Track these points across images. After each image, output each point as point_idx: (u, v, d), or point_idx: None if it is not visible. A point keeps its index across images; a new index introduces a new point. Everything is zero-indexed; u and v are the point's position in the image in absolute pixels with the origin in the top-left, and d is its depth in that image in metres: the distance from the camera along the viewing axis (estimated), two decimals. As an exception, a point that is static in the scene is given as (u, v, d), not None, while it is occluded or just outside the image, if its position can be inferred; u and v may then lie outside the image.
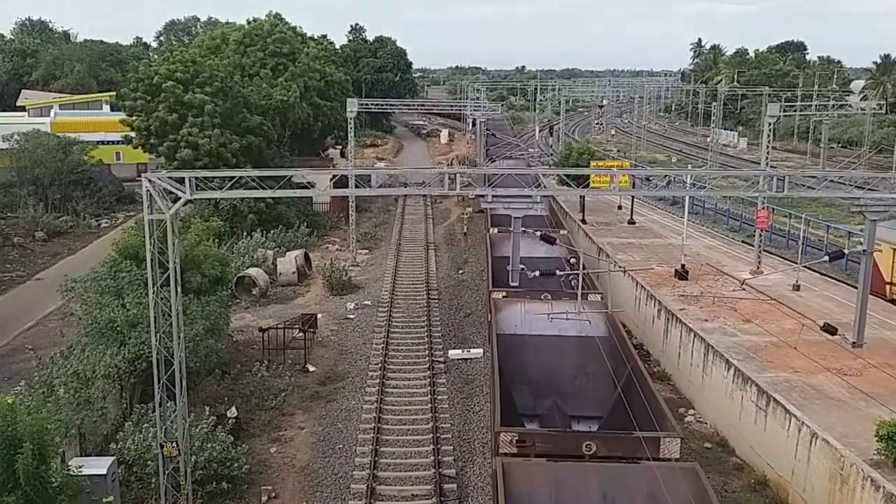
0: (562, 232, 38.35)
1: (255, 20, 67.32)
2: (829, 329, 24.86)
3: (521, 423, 21.07)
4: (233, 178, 21.06)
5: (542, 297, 26.15)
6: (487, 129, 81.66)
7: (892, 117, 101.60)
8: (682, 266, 33.92)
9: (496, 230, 37.22)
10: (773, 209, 42.45)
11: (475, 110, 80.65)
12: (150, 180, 18.03)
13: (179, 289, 18.91)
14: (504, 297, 26.45)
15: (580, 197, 47.13)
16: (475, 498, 20.93)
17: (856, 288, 26.02)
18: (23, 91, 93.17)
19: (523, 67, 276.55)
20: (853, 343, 24.45)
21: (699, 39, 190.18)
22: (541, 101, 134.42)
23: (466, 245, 51.21)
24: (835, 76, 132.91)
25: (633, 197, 47.21)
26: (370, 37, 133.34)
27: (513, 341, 23.64)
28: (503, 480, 15.11)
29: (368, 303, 38.23)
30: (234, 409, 24.75)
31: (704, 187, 28.21)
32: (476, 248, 48.66)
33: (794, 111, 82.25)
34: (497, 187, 23.56)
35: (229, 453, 21.22)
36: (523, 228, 26.08)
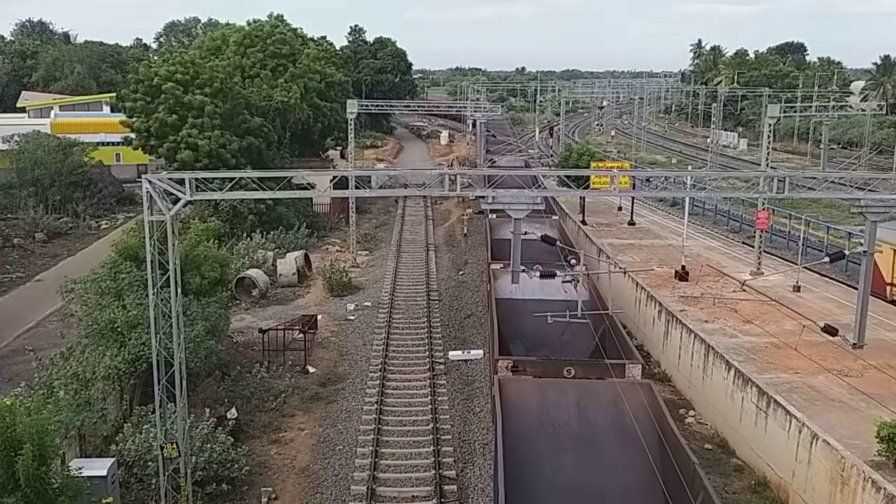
0: (553, 217, 39.59)
1: (255, 21, 67.35)
2: (830, 330, 24.82)
3: None
4: (233, 179, 21.06)
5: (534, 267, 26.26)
6: (488, 131, 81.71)
7: (893, 118, 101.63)
8: (683, 267, 33.90)
9: (495, 216, 37.73)
10: (774, 210, 42.45)
11: (475, 111, 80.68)
12: (150, 181, 18.01)
13: (179, 290, 18.89)
14: (501, 267, 28.59)
15: (580, 198, 47.12)
16: (475, 499, 20.91)
17: (856, 289, 26.01)
18: (23, 92, 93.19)
19: (523, 68, 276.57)
20: (854, 344, 24.42)
21: (699, 40, 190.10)
22: (541, 102, 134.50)
23: (467, 246, 51.20)
24: (835, 77, 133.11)
25: (633, 198, 47.21)
26: (370, 38, 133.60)
27: (508, 304, 26.09)
28: (500, 394, 18.66)
29: (369, 304, 38.22)
30: (234, 410, 24.73)
31: (704, 188, 28.23)
32: (476, 250, 48.65)
33: (795, 112, 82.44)
34: (497, 187, 23.54)
35: (229, 454, 21.19)
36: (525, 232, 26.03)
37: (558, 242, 31.41)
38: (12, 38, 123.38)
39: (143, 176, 18.32)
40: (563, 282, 25.19)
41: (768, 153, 34.95)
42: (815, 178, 27.60)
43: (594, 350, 23.50)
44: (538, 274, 28.71)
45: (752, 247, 36.85)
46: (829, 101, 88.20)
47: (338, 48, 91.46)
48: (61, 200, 57.49)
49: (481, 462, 22.65)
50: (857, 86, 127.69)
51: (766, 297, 30.60)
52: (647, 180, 36.04)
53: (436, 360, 30.46)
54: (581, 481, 18.00)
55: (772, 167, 36.31)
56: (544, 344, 25.00)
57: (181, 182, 18.56)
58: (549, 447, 18.68)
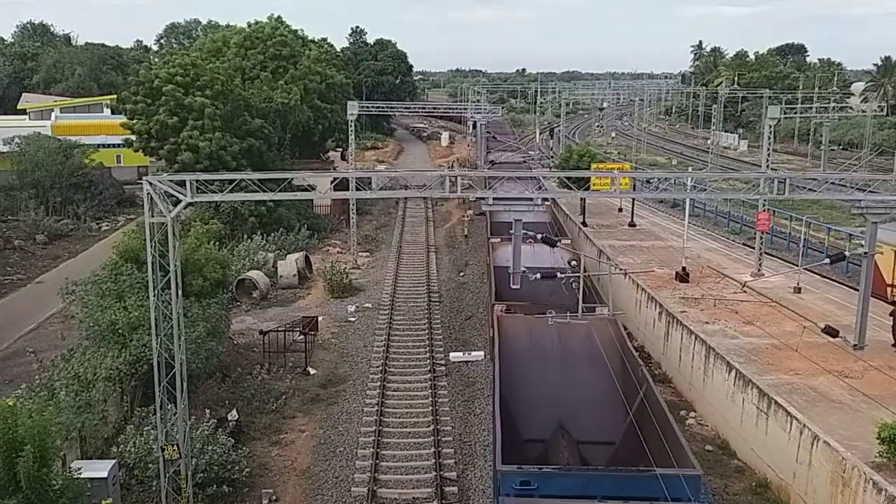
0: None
1: (255, 23, 67.41)
2: (831, 331, 24.84)
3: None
4: (233, 181, 21.10)
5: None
6: (488, 132, 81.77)
7: (893, 119, 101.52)
8: (683, 268, 33.90)
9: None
10: (774, 211, 42.44)
11: (476, 113, 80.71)
12: (150, 183, 18.03)
13: (180, 292, 18.90)
14: (499, 241, 31.54)
15: (581, 200, 47.12)
16: (476, 500, 20.90)
17: (857, 290, 26.03)
18: (24, 94, 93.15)
19: (524, 70, 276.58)
20: (854, 345, 24.48)
21: (699, 42, 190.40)
22: (541, 103, 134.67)
23: (467, 247, 51.21)
24: (835, 78, 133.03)
25: (633, 199, 47.21)
26: (371, 39, 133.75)
27: (503, 270, 26.98)
28: (497, 328, 23.58)
29: (369, 305, 38.23)
30: (234, 412, 24.74)
31: (705, 190, 28.24)
32: (477, 251, 48.66)
33: (795, 113, 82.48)
34: (498, 186, 23.57)
35: (230, 456, 21.19)
36: (525, 231, 26.07)
37: (559, 243, 31.45)
38: (13, 40, 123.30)
39: (144, 178, 18.34)
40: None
41: (769, 155, 34.94)
42: (815, 179, 27.58)
43: (574, 305, 24.94)
44: (540, 238, 29.80)
45: (753, 248, 36.83)
46: (829, 103, 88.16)
47: (338, 50, 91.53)
48: (62, 202, 57.53)
49: (482, 463, 22.65)
50: (858, 87, 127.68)
51: (767, 298, 30.59)
52: (648, 182, 36.05)
53: (437, 361, 30.45)
54: (560, 393, 21.83)
55: (772, 168, 36.29)
56: (534, 301, 27.18)
57: (182, 184, 18.58)
58: (535, 368, 22.69)
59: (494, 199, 23.57)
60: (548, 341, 23.40)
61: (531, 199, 26.43)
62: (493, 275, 30.78)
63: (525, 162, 69.91)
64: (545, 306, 24.67)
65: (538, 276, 27.06)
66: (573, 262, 31.23)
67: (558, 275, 28.23)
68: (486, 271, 35.27)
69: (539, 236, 30.85)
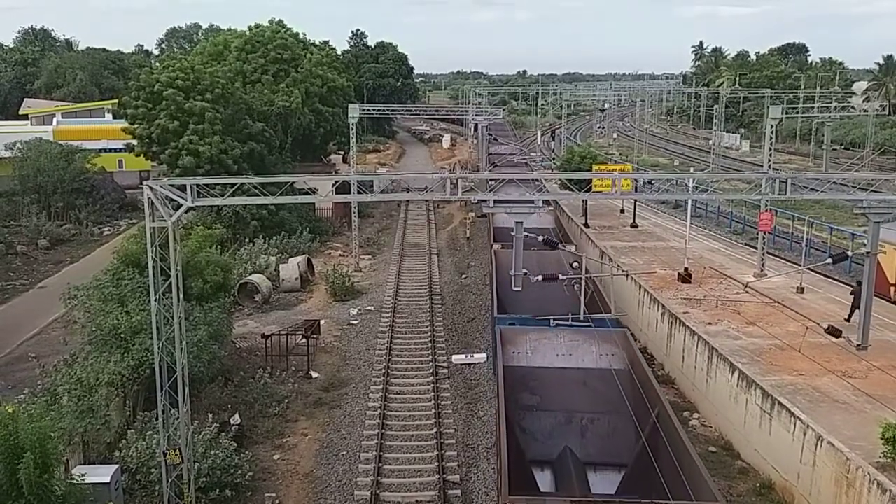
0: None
1: (256, 27, 67.46)
2: (834, 331, 24.80)
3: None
4: (235, 184, 21.10)
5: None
6: (490, 134, 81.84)
7: (895, 118, 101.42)
8: (686, 269, 33.85)
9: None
10: (776, 212, 42.36)
11: (477, 115, 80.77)
12: (151, 188, 18.02)
13: (182, 296, 18.88)
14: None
15: (582, 201, 47.09)
16: (480, 503, 20.84)
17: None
18: (25, 100, 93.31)
19: (525, 72, 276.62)
20: (858, 345, 24.42)
21: (700, 42, 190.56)
22: (542, 105, 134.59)
23: (469, 249, 51.17)
24: (837, 78, 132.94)
25: (635, 200, 47.17)
26: (371, 42, 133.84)
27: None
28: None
29: (371, 308, 38.21)
30: (237, 416, 24.72)
31: (707, 190, 28.22)
32: (479, 253, 48.64)
33: (797, 113, 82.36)
34: (499, 187, 23.54)
35: (233, 460, 21.17)
36: (527, 234, 26.00)
37: (560, 245, 31.43)
38: (15, 46, 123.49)
39: (145, 182, 18.33)
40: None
41: (770, 154, 34.88)
42: (817, 179, 27.50)
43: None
44: (542, 240, 30.62)
45: (755, 248, 36.77)
46: (831, 102, 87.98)
47: (339, 53, 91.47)
48: (64, 207, 57.60)
49: (485, 466, 22.61)
50: (860, 86, 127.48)
51: (770, 298, 30.53)
52: (650, 183, 36.04)
53: (439, 364, 30.42)
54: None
55: (774, 169, 36.22)
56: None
57: (183, 188, 18.56)
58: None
59: (496, 201, 23.54)
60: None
61: (532, 202, 26.37)
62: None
63: (525, 162, 70.14)
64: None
65: (539, 277, 27.05)
66: (575, 264, 31.21)
67: (560, 276, 28.20)
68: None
69: (541, 238, 30.86)
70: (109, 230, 57.10)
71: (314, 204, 54.62)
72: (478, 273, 44.22)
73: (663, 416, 17.67)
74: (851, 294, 27.85)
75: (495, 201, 23.41)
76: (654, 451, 17.31)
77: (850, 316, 27.34)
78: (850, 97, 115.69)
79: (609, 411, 20.62)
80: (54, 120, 75.61)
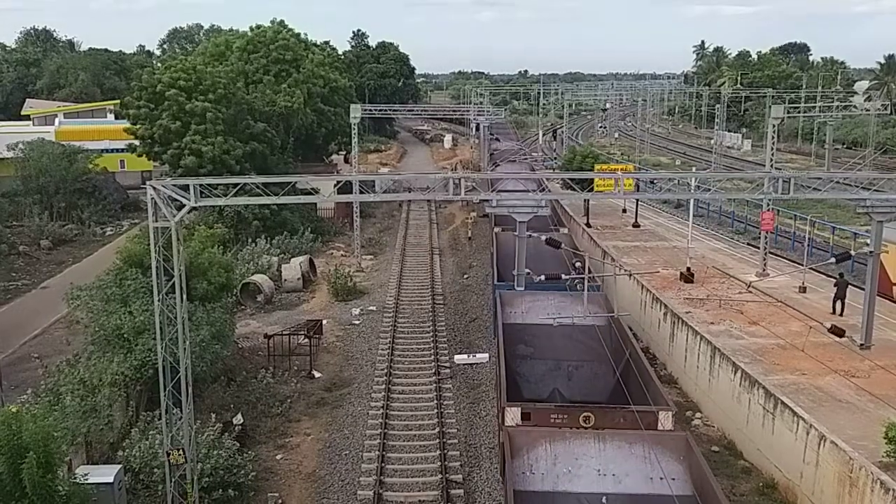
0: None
1: (257, 27, 67.50)
2: (837, 331, 24.80)
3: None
4: (237, 184, 21.11)
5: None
6: (491, 134, 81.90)
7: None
8: (688, 269, 33.83)
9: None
10: (779, 211, 42.33)
11: (478, 115, 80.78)
12: (154, 188, 18.05)
13: (185, 296, 18.90)
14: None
15: (584, 201, 47.08)
16: (482, 503, 20.84)
17: (862, 290, 25.96)
18: (27, 100, 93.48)
19: (526, 72, 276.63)
20: (861, 345, 24.42)
21: (702, 42, 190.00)
22: (544, 105, 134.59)
23: (471, 249, 51.16)
24: (838, 77, 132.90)
25: (637, 200, 47.15)
26: (373, 42, 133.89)
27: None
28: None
29: (374, 308, 38.22)
30: (239, 415, 24.74)
31: (709, 190, 28.18)
32: (481, 253, 48.62)
33: (799, 112, 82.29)
34: (501, 188, 23.56)
35: (235, 460, 21.20)
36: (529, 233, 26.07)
37: (563, 246, 31.45)
38: (17, 47, 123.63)
39: (148, 182, 18.36)
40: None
41: (772, 154, 34.87)
42: (819, 178, 27.47)
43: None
44: (544, 239, 30.82)
45: (758, 248, 36.75)
46: (832, 101, 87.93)
47: (340, 53, 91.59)
48: (66, 207, 57.66)
49: (488, 465, 22.60)
50: (861, 85, 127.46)
51: (772, 298, 30.52)
52: (652, 182, 36.03)
53: (441, 363, 30.42)
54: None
55: (776, 168, 36.19)
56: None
57: (186, 188, 18.59)
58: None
59: (497, 202, 23.60)
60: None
61: (534, 203, 26.38)
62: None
63: (525, 158, 70.55)
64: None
65: (542, 278, 27.15)
66: (577, 263, 31.21)
67: (562, 276, 28.24)
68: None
69: (543, 238, 30.86)
70: (111, 230, 57.15)
71: (316, 204, 54.71)
72: (479, 273, 44.20)
73: (634, 355, 20.91)
74: (835, 286, 28.85)
75: (497, 202, 23.46)
76: (626, 384, 20.23)
77: (833, 308, 28.37)
78: (852, 96, 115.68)
79: (591, 360, 23.46)
80: (56, 120, 75.71)
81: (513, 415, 17.64)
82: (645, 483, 16.39)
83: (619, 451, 16.73)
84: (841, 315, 27.90)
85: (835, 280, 29.29)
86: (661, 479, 16.17)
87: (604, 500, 16.18)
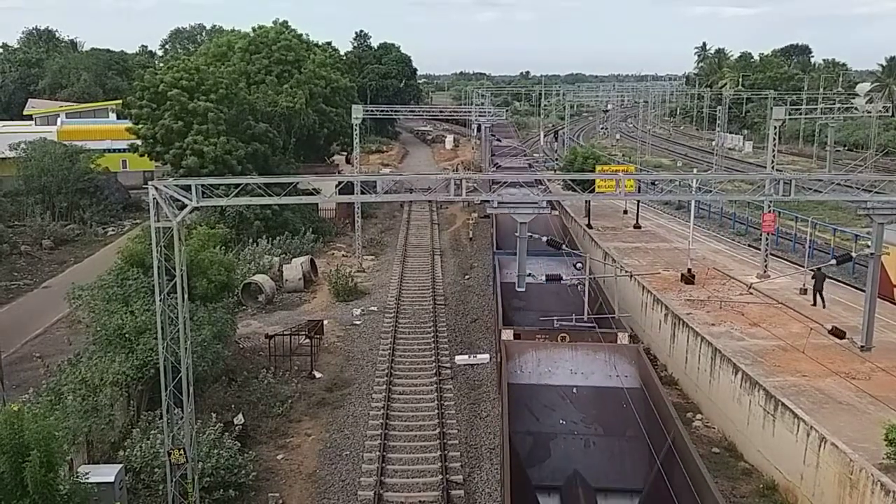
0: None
1: (260, 28, 67.57)
2: (838, 333, 24.80)
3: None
4: (239, 185, 21.12)
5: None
6: (492, 135, 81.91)
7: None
8: (689, 270, 33.84)
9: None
10: (780, 213, 42.36)
11: (480, 116, 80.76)
12: (156, 188, 18.07)
13: (186, 296, 18.93)
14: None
15: (586, 202, 47.11)
16: (482, 503, 20.90)
17: (863, 291, 25.96)
18: (29, 100, 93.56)
19: (528, 73, 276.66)
20: (861, 347, 24.40)
21: (703, 43, 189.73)
22: (545, 106, 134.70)
23: (472, 250, 51.19)
24: (840, 79, 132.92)
25: (638, 202, 47.18)
26: (374, 43, 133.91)
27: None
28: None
29: (375, 308, 38.24)
30: (240, 415, 24.76)
31: (710, 191, 28.24)
32: (482, 253, 48.65)
33: (800, 114, 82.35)
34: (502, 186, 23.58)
35: (236, 460, 21.23)
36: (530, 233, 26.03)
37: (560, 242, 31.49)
38: (19, 47, 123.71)
39: (150, 182, 18.38)
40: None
41: (774, 156, 34.88)
42: (821, 180, 27.55)
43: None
44: (546, 240, 30.47)
45: (759, 249, 36.76)
46: (834, 103, 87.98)
47: (342, 54, 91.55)
48: (68, 207, 57.74)
49: (488, 466, 22.62)
50: (863, 87, 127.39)
51: (773, 299, 30.52)
52: (653, 184, 36.06)
53: (442, 364, 30.44)
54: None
55: (777, 170, 36.22)
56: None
57: (187, 188, 18.60)
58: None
59: (499, 202, 23.56)
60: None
61: (536, 203, 26.37)
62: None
63: (531, 167, 70.35)
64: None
65: (543, 279, 27.18)
66: (578, 265, 31.25)
67: (563, 278, 28.28)
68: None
69: (545, 238, 30.83)
70: (113, 230, 57.21)
71: (317, 204, 54.72)
72: (481, 274, 44.23)
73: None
74: (813, 279, 30.06)
75: (499, 202, 23.44)
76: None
77: (814, 300, 29.88)
78: (854, 98, 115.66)
79: (570, 312, 26.20)
80: (58, 120, 75.82)
81: (507, 334, 23.15)
82: (605, 379, 21.49)
83: (586, 356, 22.01)
84: (823, 307, 29.19)
85: (812, 273, 30.51)
86: (618, 376, 21.37)
87: (574, 390, 21.36)
